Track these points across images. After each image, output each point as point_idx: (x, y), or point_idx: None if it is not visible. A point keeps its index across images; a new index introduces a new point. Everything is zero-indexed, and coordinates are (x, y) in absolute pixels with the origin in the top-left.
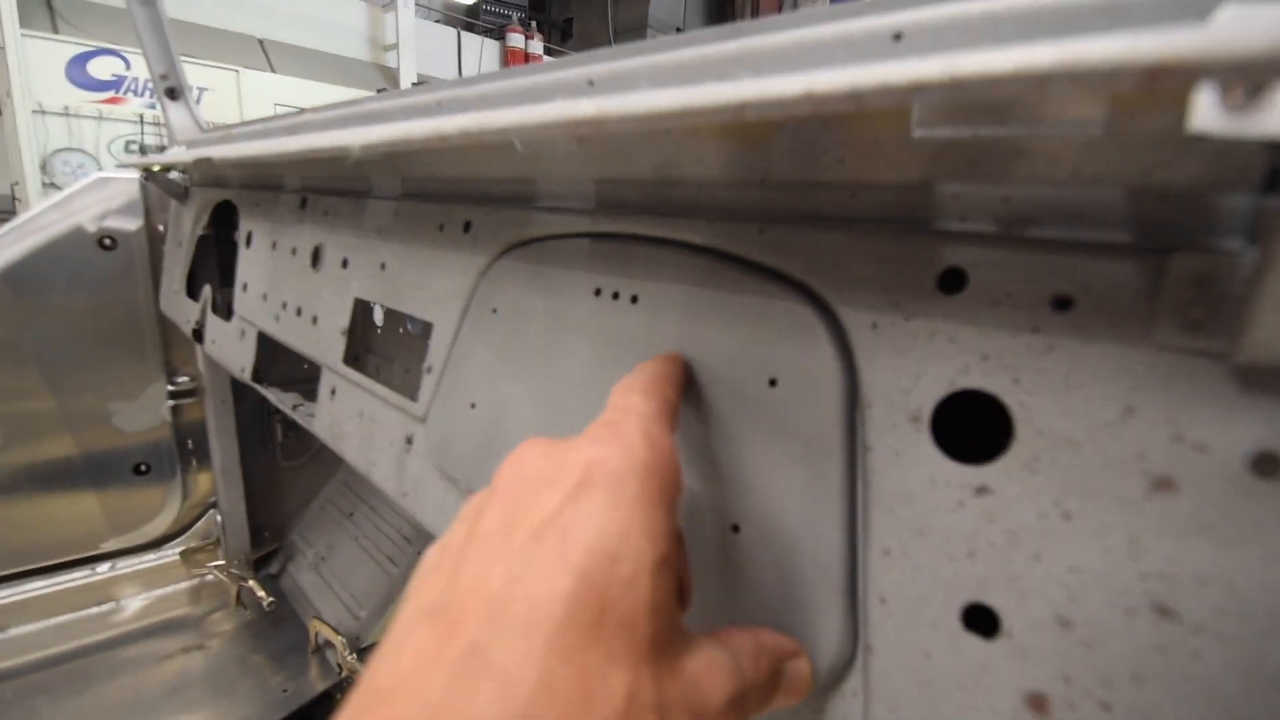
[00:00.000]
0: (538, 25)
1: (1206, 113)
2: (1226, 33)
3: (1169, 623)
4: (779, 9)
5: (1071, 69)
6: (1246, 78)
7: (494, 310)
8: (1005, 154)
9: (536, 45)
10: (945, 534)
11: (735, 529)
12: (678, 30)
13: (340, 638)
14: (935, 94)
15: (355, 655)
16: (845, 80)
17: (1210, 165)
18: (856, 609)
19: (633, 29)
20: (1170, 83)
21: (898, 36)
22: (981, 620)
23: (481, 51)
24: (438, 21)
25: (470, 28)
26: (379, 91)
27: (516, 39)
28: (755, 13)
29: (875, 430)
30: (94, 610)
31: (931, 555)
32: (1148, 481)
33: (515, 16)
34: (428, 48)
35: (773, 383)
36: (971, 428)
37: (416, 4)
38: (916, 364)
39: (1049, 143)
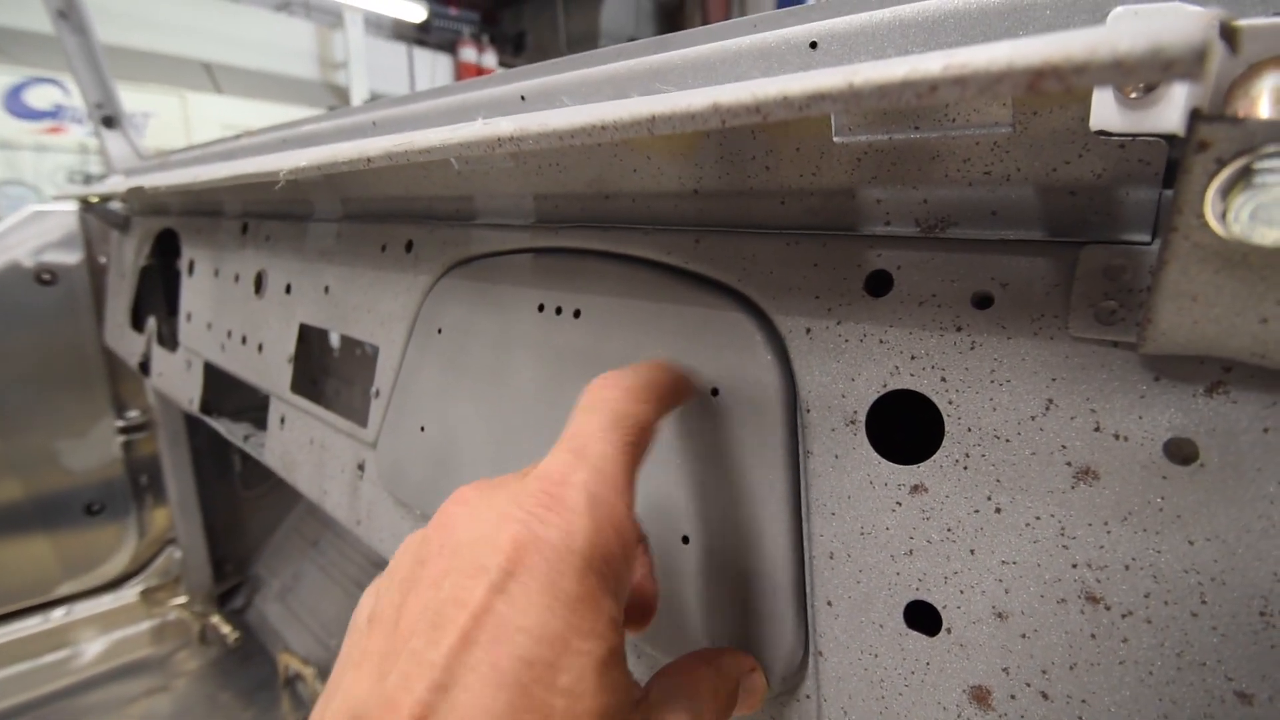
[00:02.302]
0: (490, 38)
1: (1105, 111)
2: (1107, 36)
3: (1099, 610)
4: (727, 18)
5: (957, 76)
6: (1129, 78)
7: (439, 330)
8: (922, 156)
9: (490, 58)
10: (885, 534)
11: (685, 540)
12: (630, 40)
13: (310, 669)
14: (832, 104)
15: None
16: (749, 93)
17: (1114, 160)
18: (806, 614)
19: (585, 39)
20: (1053, 86)
21: (814, 45)
22: (924, 617)
23: (434, 66)
24: (388, 38)
25: (422, 43)
26: (330, 109)
27: (469, 53)
28: (705, 21)
29: (814, 435)
30: (51, 657)
31: (874, 556)
32: (1072, 472)
33: (467, 30)
34: (379, 64)
35: (715, 392)
36: (910, 428)
37: (365, 20)
38: (850, 367)
39: (961, 144)
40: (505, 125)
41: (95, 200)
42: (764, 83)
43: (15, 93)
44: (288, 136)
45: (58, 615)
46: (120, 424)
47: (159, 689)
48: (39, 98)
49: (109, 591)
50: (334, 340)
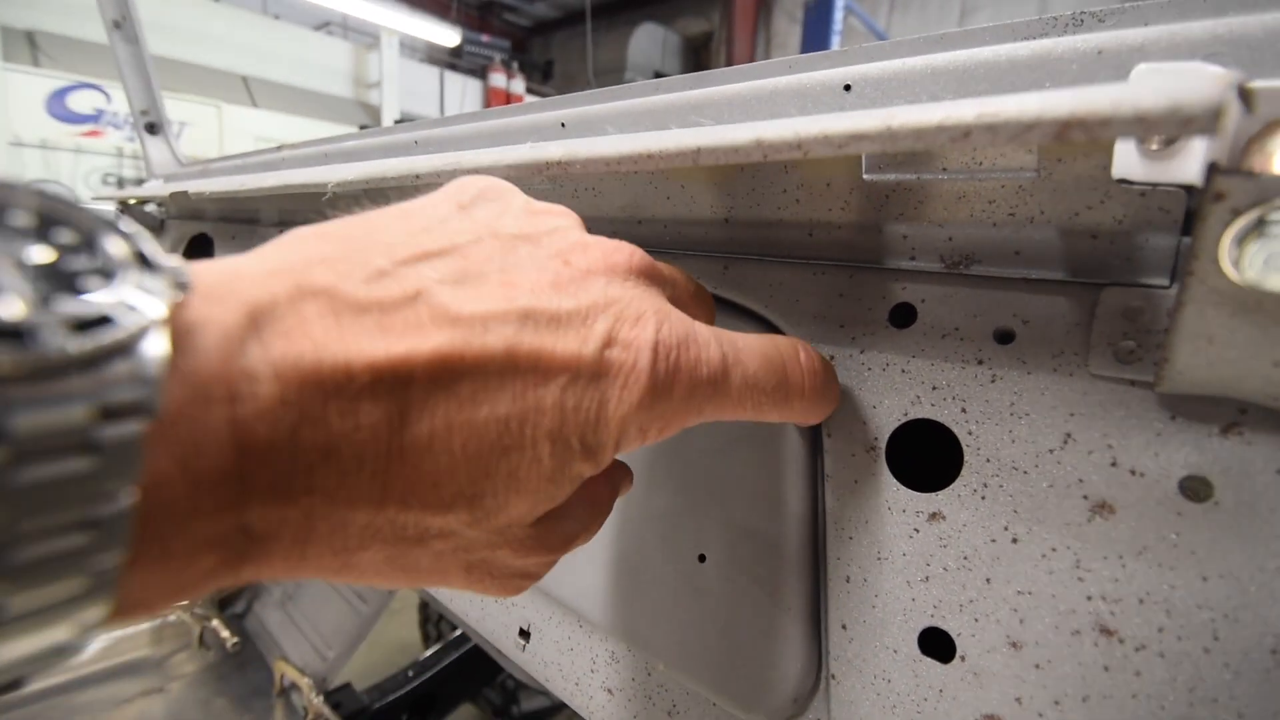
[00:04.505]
0: (519, 66)
1: (1127, 160)
2: (1130, 92)
3: (1113, 642)
4: (751, 57)
5: (990, 123)
6: (1150, 131)
7: None
8: (948, 197)
9: (518, 85)
10: (902, 560)
11: (702, 558)
12: (655, 73)
13: (307, 679)
14: (870, 144)
15: (322, 697)
16: (791, 130)
17: (1134, 208)
18: (820, 636)
19: (612, 70)
20: (1079, 136)
21: (848, 88)
22: (938, 644)
23: (464, 90)
24: (421, 61)
25: (453, 67)
26: (361, 128)
27: (498, 79)
28: (729, 59)
29: (835, 459)
30: None
31: (890, 581)
32: (1088, 505)
33: (498, 57)
34: (411, 86)
35: None
36: (926, 456)
37: (401, 43)
38: (872, 395)
39: (987, 187)
40: (554, 149)
41: (133, 202)
42: (806, 121)
43: (59, 96)
44: (329, 150)
45: None
46: None
47: (154, 690)
48: (81, 102)
49: None
50: None
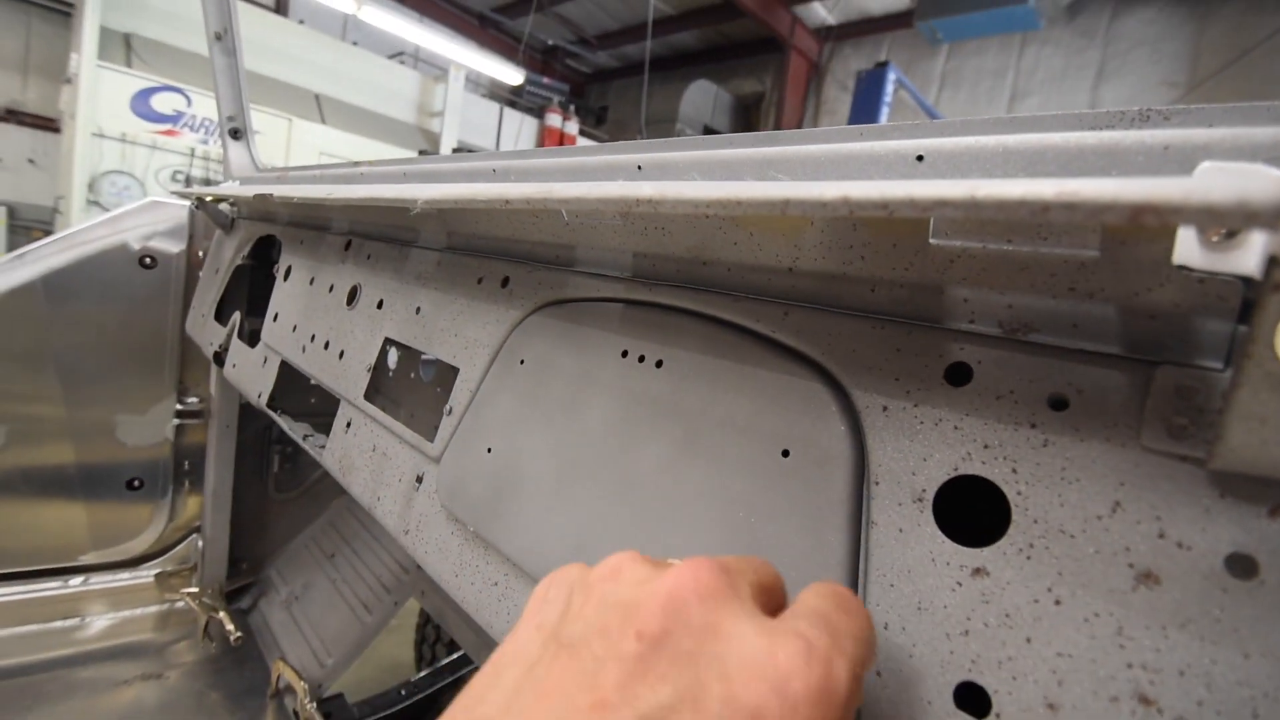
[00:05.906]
0: (575, 109)
1: (1188, 248)
2: (1201, 185)
3: (1151, 712)
4: (800, 122)
5: (1069, 202)
6: (1217, 222)
7: (522, 362)
8: (1011, 267)
9: (572, 126)
10: (943, 612)
11: None
12: (705, 127)
13: (303, 684)
14: (954, 210)
15: (315, 704)
16: (878, 191)
17: (1193, 293)
18: None
19: (663, 121)
20: (1151, 221)
21: (920, 158)
22: (973, 700)
23: (520, 127)
24: (483, 96)
25: (513, 104)
26: (421, 153)
27: (554, 119)
28: (778, 119)
29: (880, 506)
30: (58, 624)
31: (929, 632)
32: (1134, 574)
33: (556, 99)
34: (471, 118)
35: (785, 454)
36: (972, 511)
37: (465, 78)
38: (923, 447)
39: (1050, 261)
40: (647, 188)
41: (210, 199)
42: (892, 184)
43: (144, 96)
44: (409, 170)
45: (75, 583)
46: (179, 407)
47: (153, 675)
48: (164, 103)
49: (127, 569)
50: (390, 361)
